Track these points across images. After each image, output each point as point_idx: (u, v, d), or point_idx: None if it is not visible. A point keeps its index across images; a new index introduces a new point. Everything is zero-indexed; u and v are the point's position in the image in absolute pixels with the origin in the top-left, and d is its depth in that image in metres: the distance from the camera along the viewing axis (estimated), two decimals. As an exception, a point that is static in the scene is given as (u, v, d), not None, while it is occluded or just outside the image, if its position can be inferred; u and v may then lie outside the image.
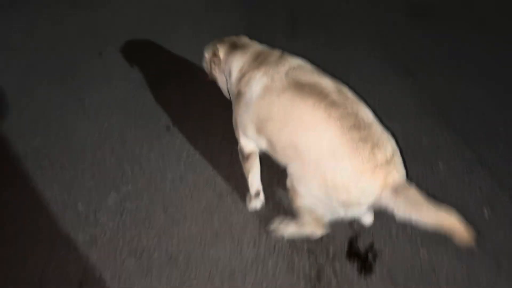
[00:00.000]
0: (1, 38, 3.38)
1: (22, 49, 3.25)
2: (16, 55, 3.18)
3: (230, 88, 1.98)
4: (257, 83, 1.75)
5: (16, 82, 2.93)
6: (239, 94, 1.84)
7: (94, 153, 2.44)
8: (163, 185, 2.28)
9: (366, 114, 1.59)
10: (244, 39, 2.07)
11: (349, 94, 1.65)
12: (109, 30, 3.47)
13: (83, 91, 2.87)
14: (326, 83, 1.66)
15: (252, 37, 2.16)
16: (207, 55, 2.08)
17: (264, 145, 1.81)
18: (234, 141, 2.03)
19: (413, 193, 1.46)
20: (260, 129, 1.76)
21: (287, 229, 1.98)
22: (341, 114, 1.53)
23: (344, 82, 1.76)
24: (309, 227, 1.85)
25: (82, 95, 2.84)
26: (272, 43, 2.14)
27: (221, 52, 1.99)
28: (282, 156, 1.72)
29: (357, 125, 1.51)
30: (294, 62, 1.78)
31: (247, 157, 2.00)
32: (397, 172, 1.49)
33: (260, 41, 2.11)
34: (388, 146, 1.51)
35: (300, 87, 1.63)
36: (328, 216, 1.71)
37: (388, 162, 1.47)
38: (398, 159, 1.53)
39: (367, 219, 2.04)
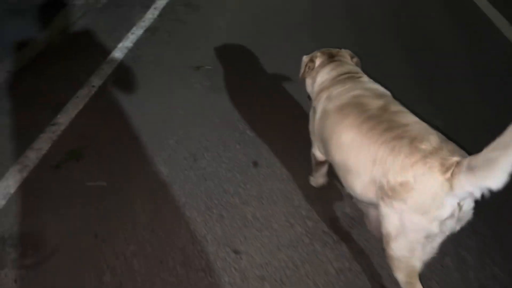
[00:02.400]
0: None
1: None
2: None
3: (312, 96, 2.07)
4: (321, 104, 1.85)
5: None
6: (313, 108, 1.97)
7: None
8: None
9: (405, 118, 1.56)
10: (345, 55, 2.09)
11: (394, 108, 1.63)
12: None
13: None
14: (373, 102, 1.66)
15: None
16: (305, 58, 2.13)
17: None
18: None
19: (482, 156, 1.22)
20: (323, 147, 1.88)
21: None
22: (372, 125, 1.53)
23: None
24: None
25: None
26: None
27: (318, 60, 2.05)
28: (339, 174, 1.76)
29: (390, 128, 1.49)
30: (363, 86, 1.81)
31: (316, 162, 2.14)
32: (455, 155, 1.35)
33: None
34: (432, 137, 1.44)
35: (345, 107, 1.69)
36: (423, 246, 1.47)
37: (437, 149, 1.38)
38: (451, 146, 1.42)
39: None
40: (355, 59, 2.13)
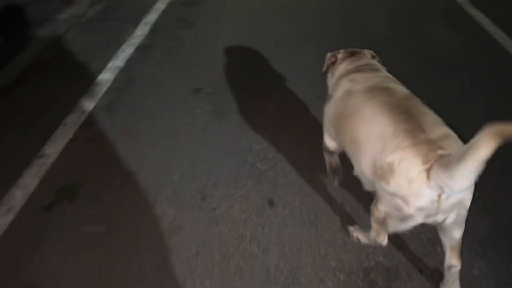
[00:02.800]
0: None
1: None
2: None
3: (330, 87, 2.17)
4: (342, 87, 1.93)
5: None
6: (329, 96, 2.07)
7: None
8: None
9: (425, 109, 1.61)
10: (367, 53, 2.19)
11: (417, 100, 1.68)
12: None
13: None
14: (401, 88, 1.76)
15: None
16: (329, 55, 2.24)
17: (341, 145, 1.98)
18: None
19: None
20: (336, 130, 1.96)
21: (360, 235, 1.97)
22: (394, 106, 1.59)
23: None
24: (373, 233, 1.74)
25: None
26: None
27: (340, 56, 2.16)
28: (349, 153, 1.82)
29: (407, 112, 1.55)
30: (384, 74, 1.93)
31: (327, 151, 2.24)
32: (444, 149, 1.38)
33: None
34: (438, 130, 1.48)
35: (374, 89, 1.76)
36: (394, 222, 1.58)
37: (432, 141, 1.42)
38: (450, 142, 1.45)
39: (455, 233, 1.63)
40: (377, 58, 2.20)
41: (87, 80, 3.36)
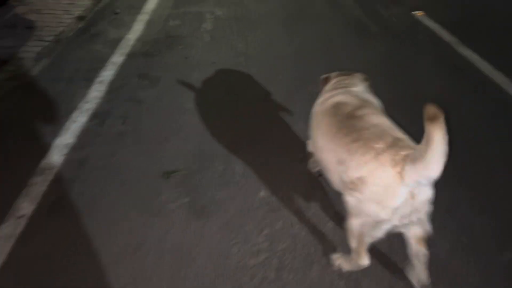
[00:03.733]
0: None
1: None
2: None
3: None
4: (316, 105, 2.16)
5: None
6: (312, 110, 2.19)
7: None
8: None
9: (366, 123, 1.73)
10: (357, 75, 2.27)
11: (360, 112, 1.81)
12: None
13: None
14: (345, 108, 1.87)
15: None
16: (324, 76, 2.38)
17: None
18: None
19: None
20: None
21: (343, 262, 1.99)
22: (337, 130, 1.77)
23: None
24: (355, 255, 1.83)
25: None
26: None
27: (332, 77, 2.30)
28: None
29: (349, 132, 1.71)
30: (353, 94, 2.04)
31: (309, 154, 2.46)
32: (404, 150, 1.54)
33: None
34: (388, 137, 1.61)
35: (324, 112, 1.98)
36: (372, 230, 1.68)
37: (389, 147, 1.56)
38: (404, 142, 1.60)
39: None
40: (367, 82, 2.25)
41: (27, 168, 2.67)
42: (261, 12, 5.49)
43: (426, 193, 1.56)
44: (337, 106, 1.92)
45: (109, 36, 4.78)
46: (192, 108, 3.34)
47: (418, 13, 5.20)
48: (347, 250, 1.91)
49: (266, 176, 2.60)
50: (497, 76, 3.72)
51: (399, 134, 1.67)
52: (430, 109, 1.33)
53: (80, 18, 5.34)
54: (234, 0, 5.97)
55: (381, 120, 1.77)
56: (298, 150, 2.72)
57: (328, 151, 1.80)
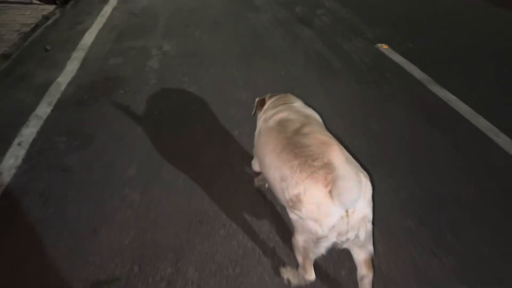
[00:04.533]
0: None
1: None
2: None
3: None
4: (258, 125, 2.24)
5: None
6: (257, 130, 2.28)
7: None
8: None
9: (310, 140, 1.76)
10: (289, 95, 2.35)
11: (306, 130, 1.85)
12: None
13: None
14: (292, 125, 1.92)
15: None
16: (258, 99, 2.42)
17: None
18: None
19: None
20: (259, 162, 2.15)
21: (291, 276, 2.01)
22: (283, 147, 1.78)
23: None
24: (302, 270, 1.86)
25: None
26: None
27: (267, 99, 2.34)
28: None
29: (293, 149, 1.73)
30: (291, 107, 2.15)
31: (255, 173, 2.44)
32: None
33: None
34: (326, 155, 1.64)
35: (270, 130, 2.00)
36: (314, 246, 1.70)
37: (327, 164, 1.60)
38: (341, 162, 1.60)
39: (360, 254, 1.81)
40: (300, 100, 2.32)
41: None
42: (214, 46, 4.98)
43: (361, 212, 1.59)
44: (282, 123, 1.96)
45: (36, 79, 4.07)
46: (133, 177, 2.72)
47: (382, 46, 4.90)
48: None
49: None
50: (476, 119, 3.42)
51: (341, 152, 1.72)
52: (321, 137, 1.66)
53: (4, 56, 4.60)
54: (184, 32, 5.43)
55: (325, 139, 1.79)
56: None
57: (275, 168, 1.80)
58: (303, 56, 4.67)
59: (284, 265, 2.11)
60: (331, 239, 1.62)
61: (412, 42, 5.07)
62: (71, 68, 4.34)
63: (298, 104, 2.20)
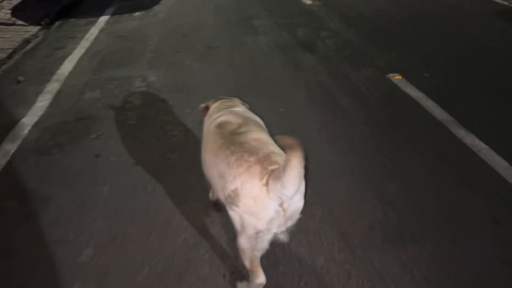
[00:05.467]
0: None
1: None
2: None
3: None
4: (204, 129, 2.19)
5: None
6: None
7: None
8: None
9: (246, 137, 1.80)
10: (235, 99, 2.37)
11: (243, 129, 1.88)
12: None
13: None
14: (230, 126, 1.93)
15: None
16: (202, 105, 2.39)
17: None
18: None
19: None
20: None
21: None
22: (220, 146, 1.81)
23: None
24: (252, 275, 1.89)
25: None
26: None
27: (211, 104, 2.31)
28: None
29: (230, 146, 1.76)
30: (237, 113, 2.10)
31: (208, 184, 2.29)
32: (274, 165, 1.61)
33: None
34: (261, 151, 1.69)
35: (210, 132, 2.00)
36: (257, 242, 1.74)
37: (262, 160, 1.64)
38: (277, 157, 1.66)
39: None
40: (247, 105, 2.35)
41: None
42: (206, 77, 4.42)
43: (296, 205, 1.68)
44: (221, 125, 1.97)
45: (-3, 120, 3.55)
46: (87, 263, 2.15)
47: (394, 76, 4.34)
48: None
49: None
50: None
51: (275, 148, 1.75)
52: (288, 140, 1.47)
53: (-30, 89, 4.09)
54: (173, 59, 4.90)
55: (260, 136, 1.85)
56: None
57: (213, 166, 1.83)
58: (305, 90, 4.09)
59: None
60: (272, 230, 1.68)
61: (429, 70, 4.49)
62: (41, 104, 3.81)
63: (240, 108, 2.23)
